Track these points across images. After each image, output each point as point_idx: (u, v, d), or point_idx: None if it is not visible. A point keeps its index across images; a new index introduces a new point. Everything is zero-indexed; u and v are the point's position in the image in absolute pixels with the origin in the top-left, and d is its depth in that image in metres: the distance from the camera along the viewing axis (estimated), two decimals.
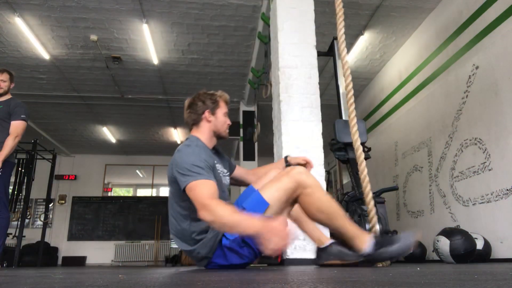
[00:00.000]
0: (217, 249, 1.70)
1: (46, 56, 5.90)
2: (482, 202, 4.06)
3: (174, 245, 5.26)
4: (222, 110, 1.94)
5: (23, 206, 6.07)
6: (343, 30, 2.24)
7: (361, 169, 2.05)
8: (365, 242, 1.61)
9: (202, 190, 1.58)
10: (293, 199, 1.69)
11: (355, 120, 2.09)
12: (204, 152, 1.76)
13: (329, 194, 1.74)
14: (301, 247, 3.06)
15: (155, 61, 6.13)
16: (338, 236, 1.70)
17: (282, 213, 1.70)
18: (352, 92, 2.27)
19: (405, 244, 1.59)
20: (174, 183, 1.75)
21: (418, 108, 5.52)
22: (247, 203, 1.68)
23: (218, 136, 1.94)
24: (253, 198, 1.68)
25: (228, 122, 1.95)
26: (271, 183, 1.69)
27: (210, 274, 1.30)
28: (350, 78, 2.28)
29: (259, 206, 1.63)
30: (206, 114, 1.90)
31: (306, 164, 2.02)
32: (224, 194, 1.82)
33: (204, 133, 1.90)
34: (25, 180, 6.18)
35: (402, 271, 1.37)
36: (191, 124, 1.93)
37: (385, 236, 1.72)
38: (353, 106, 2.14)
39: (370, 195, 2.03)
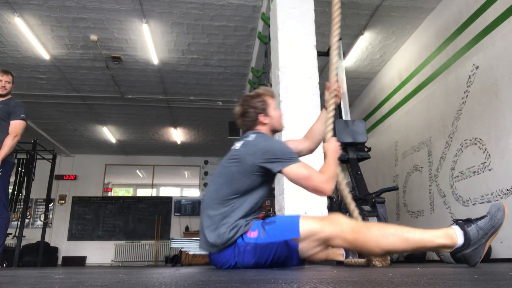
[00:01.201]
0: (233, 244, 1.69)
1: (46, 56, 5.90)
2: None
3: (174, 245, 5.25)
4: (272, 106, 1.96)
5: (23, 206, 6.07)
6: (338, 32, 2.23)
7: (348, 202, 2.02)
8: (451, 236, 1.48)
9: (305, 170, 1.68)
10: (329, 245, 1.64)
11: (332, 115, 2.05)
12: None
13: (378, 225, 1.59)
14: None
15: (155, 61, 6.13)
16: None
17: (310, 251, 1.63)
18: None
19: (493, 214, 1.48)
20: (246, 172, 1.71)
21: (418, 108, 5.52)
22: (281, 218, 1.69)
23: (275, 131, 1.99)
24: (290, 218, 1.66)
25: (281, 113, 2.00)
26: (314, 219, 1.63)
27: (210, 274, 1.30)
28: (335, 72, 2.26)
29: (289, 230, 1.61)
30: (261, 118, 1.91)
31: (337, 93, 2.09)
32: None
33: (265, 132, 1.93)
34: (25, 180, 6.18)
35: (402, 271, 1.37)
36: (247, 130, 1.94)
37: (464, 221, 1.56)
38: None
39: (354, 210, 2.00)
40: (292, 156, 1.72)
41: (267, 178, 1.78)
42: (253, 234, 1.66)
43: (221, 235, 1.67)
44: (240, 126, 1.98)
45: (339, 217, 1.58)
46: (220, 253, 1.71)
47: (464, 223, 1.50)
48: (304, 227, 1.60)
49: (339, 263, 2.38)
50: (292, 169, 1.68)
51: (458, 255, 1.47)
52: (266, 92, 1.98)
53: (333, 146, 1.89)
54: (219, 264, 1.74)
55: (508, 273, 1.06)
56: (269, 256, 1.64)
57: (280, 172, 1.70)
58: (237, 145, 1.83)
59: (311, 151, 2.13)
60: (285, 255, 1.63)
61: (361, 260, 2.09)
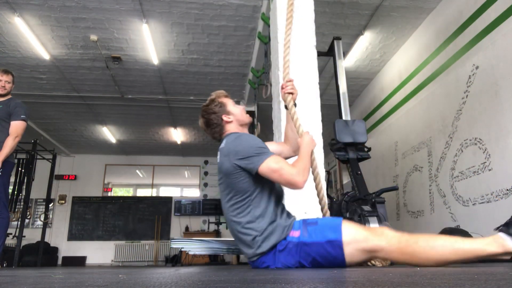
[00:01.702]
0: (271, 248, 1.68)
1: (46, 56, 5.90)
2: (482, 202, 4.06)
3: (174, 245, 5.24)
4: (229, 104, 1.98)
5: (23, 206, 6.07)
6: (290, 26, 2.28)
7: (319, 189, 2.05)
8: (502, 244, 1.44)
9: (276, 164, 1.69)
10: (374, 257, 1.63)
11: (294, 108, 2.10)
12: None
13: (425, 236, 1.53)
14: None
15: (155, 61, 6.13)
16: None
17: (354, 258, 1.61)
18: None
19: None
20: (232, 174, 1.73)
21: (418, 108, 5.52)
22: (323, 220, 1.69)
23: (243, 124, 2.01)
24: (332, 220, 1.66)
25: (242, 107, 2.03)
26: (358, 226, 1.62)
27: (210, 274, 1.30)
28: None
29: (331, 231, 1.60)
30: (225, 118, 1.94)
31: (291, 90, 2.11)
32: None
33: (235, 130, 1.95)
34: (25, 180, 6.18)
35: (402, 271, 1.37)
36: (220, 134, 1.96)
37: (504, 225, 1.53)
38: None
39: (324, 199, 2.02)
40: (262, 151, 1.72)
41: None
42: (295, 234, 1.65)
43: (256, 248, 1.67)
44: (212, 137, 2.00)
45: (384, 230, 1.57)
46: (260, 259, 1.70)
47: (507, 227, 1.47)
48: (348, 231, 1.59)
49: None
50: (263, 165, 1.68)
51: None
52: (218, 94, 2.01)
53: (307, 139, 1.91)
54: (261, 266, 1.72)
55: (508, 273, 1.06)
56: (311, 256, 1.62)
57: (254, 173, 1.71)
58: (218, 157, 1.86)
59: (294, 152, 2.12)
60: (328, 255, 1.61)
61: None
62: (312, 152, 1.89)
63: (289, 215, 1.79)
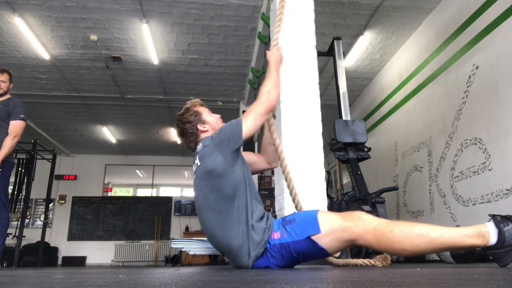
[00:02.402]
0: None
1: (46, 56, 5.90)
2: (482, 202, 4.06)
3: (174, 245, 5.23)
4: (205, 113, 1.96)
5: (23, 206, 6.07)
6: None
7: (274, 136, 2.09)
8: (483, 235, 1.40)
9: (250, 115, 1.79)
10: (354, 245, 1.62)
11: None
12: None
13: (401, 225, 1.47)
14: None
15: (155, 61, 6.13)
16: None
17: (334, 248, 1.59)
18: None
19: None
20: (222, 173, 1.69)
21: (418, 108, 5.52)
22: (300, 215, 1.66)
23: None
24: (308, 214, 1.63)
25: (217, 116, 2.01)
26: (334, 215, 1.59)
27: (210, 274, 1.30)
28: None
29: (309, 226, 1.57)
30: (200, 128, 1.92)
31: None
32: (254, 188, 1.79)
33: None
34: (25, 180, 6.17)
35: (402, 271, 1.37)
36: (196, 144, 1.93)
37: (502, 217, 1.46)
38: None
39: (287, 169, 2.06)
40: (236, 122, 1.76)
41: (236, 164, 1.74)
42: (276, 235, 1.63)
43: (249, 256, 1.64)
44: (187, 146, 1.98)
45: (361, 216, 1.52)
46: (255, 264, 1.67)
47: (501, 221, 1.40)
48: (325, 222, 1.56)
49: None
50: (244, 128, 1.73)
51: (488, 253, 1.41)
52: (193, 103, 1.99)
53: (276, 54, 2.03)
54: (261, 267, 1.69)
55: (508, 273, 1.06)
56: (296, 255, 1.61)
57: (240, 142, 1.73)
58: (197, 162, 1.80)
59: (269, 164, 2.12)
60: (311, 251, 1.59)
61: (362, 260, 2.09)
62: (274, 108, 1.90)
63: (267, 216, 1.74)
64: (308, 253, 1.60)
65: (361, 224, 1.50)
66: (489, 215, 1.49)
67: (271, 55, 2.03)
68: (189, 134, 1.92)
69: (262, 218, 1.70)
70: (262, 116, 1.79)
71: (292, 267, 1.68)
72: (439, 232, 1.42)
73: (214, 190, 1.70)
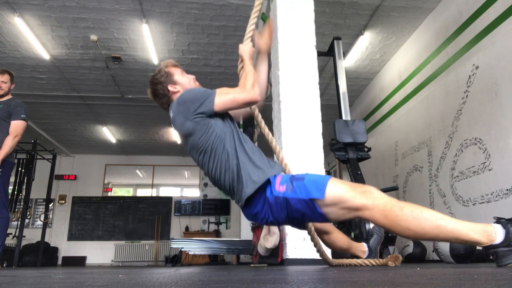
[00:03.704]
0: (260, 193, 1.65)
1: (46, 56, 5.90)
2: (482, 202, 4.06)
3: (174, 245, 5.25)
4: (177, 74, 1.93)
5: (23, 206, 6.07)
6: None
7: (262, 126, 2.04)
8: (489, 234, 1.39)
9: (227, 95, 1.71)
10: (357, 216, 1.57)
11: None
12: None
13: (412, 206, 1.45)
14: (301, 247, 3.06)
15: (155, 61, 6.13)
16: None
17: (336, 216, 1.56)
18: None
19: None
20: (196, 131, 1.70)
21: (418, 108, 5.52)
22: (311, 176, 1.62)
23: None
24: (319, 178, 1.59)
25: (191, 77, 1.97)
26: (345, 185, 1.55)
27: (210, 274, 1.30)
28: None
29: (315, 189, 1.53)
30: (171, 88, 1.88)
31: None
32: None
33: None
34: (25, 180, 6.17)
35: (402, 271, 1.37)
36: (168, 104, 1.92)
37: (507, 220, 1.45)
38: None
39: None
40: (206, 93, 1.71)
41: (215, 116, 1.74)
42: (281, 188, 1.60)
43: (243, 193, 1.63)
44: (161, 107, 1.98)
45: (373, 190, 1.51)
46: (252, 207, 1.65)
47: (507, 222, 1.40)
48: (333, 191, 1.52)
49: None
50: (216, 102, 1.68)
51: (491, 251, 1.40)
52: (165, 64, 1.96)
53: (247, 47, 2.01)
54: (258, 219, 1.68)
55: (508, 273, 1.06)
56: (296, 212, 1.58)
57: (213, 112, 1.69)
58: (175, 127, 1.82)
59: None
60: (310, 214, 1.56)
61: (363, 261, 2.10)
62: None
63: (269, 161, 1.74)
64: (306, 215, 1.58)
65: (371, 198, 1.48)
66: (494, 217, 1.49)
67: (242, 48, 2.02)
68: (161, 95, 1.91)
69: (261, 163, 1.69)
70: (239, 103, 1.71)
71: (285, 224, 1.67)
72: (447, 221, 1.41)
73: (198, 146, 1.72)
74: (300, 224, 1.74)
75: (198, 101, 1.68)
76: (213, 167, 1.70)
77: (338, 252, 2.31)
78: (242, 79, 1.80)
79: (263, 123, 2.05)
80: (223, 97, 1.69)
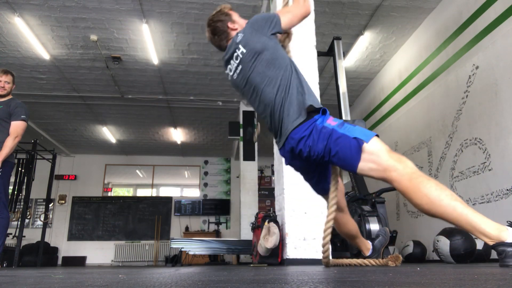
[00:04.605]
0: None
1: (46, 56, 5.90)
2: (482, 202, 4.06)
3: (174, 245, 5.25)
4: (235, 15, 2.07)
5: (23, 206, 6.07)
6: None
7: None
8: (500, 230, 1.42)
9: (287, 13, 1.92)
10: (384, 177, 1.64)
11: None
12: None
13: (433, 185, 1.49)
14: (301, 247, 3.06)
15: (155, 61, 6.13)
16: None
17: (367, 170, 1.64)
18: None
19: None
20: (270, 45, 1.84)
21: (418, 108, 5.52)
22: (361, 127, 1.69)
23: None
24: (368, 131, 1.67)
25: (245, 21, 2.11)
26: (386, 146, 1.64)
27: (210, 274, 1.30)
28: None
29: (363, 134, 1.62)
30: (230, 25, 2.01)
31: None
32: None
33: None
34: (25, 180, 6.17)
35: (402, 271, 1.37)
36: (227, 41, 2.02)
37: None
38: None
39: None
40: (274, 15, 1.90)
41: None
42: (333, 123, 1.69)
43: (300, 115, 1.73)
44: (219, 45, 2.06)
45: (407, 159, 1.59)
46: (299, 132, 1.72)
47: None
48: (376, 144, 1.61)
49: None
50: (283, 21, 1.88)
51: (499, 249, 1.41)
52: (224, 6, 2.08)
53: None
54: (298, 145, 1.73)
55: (508, 273, 1.06)
56: (334, 145, 1.64)
57: (282, 31, 1.90)
58: (242, 50, 1.89)
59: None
60: (348, 152, 1.62)
61: (362, 261, 2.10)
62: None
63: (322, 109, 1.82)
64: (340, 152, 1.63)
65: (404, 164, 1.55)
66: (507, 221, 1.51)
67: None
68: (220, 32, 2.01)
69: (313, 95, 1.83)
70: (298, 19, 1.92)
71: (316, 160, 1.72)
72: (465, 206, 1.45)
73: (266, 65, 1.84)
74: (327, 164, 1.81)
75: (269, 20, 1.87)
76: (274, 85, 1.80)
77: (344, 238, 2.31)
78: None
79: (290, 45, 2.19)
80: (286, 16, 1.90)
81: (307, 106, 1.72)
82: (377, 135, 1.65)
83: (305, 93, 1.78)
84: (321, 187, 1.96)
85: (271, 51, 1.83)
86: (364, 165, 1.62)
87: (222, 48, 2.04)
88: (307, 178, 1.97)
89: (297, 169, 1.94)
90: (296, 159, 1.83)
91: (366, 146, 1.59)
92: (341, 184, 2.01)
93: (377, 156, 1.58)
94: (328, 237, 1.97)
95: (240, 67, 1.89)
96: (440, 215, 1.49)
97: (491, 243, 1.43)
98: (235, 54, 1.89)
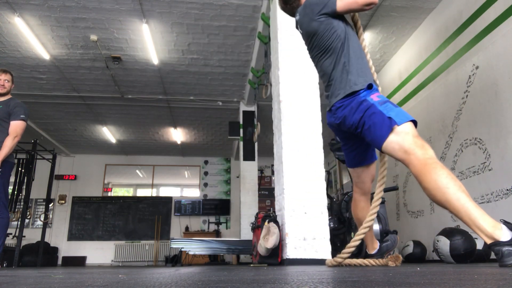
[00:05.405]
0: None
1: (46, 56, 5.90)
2: (482, 202, 4.06)
3: (174, 245, 5.25)
4: None
5: (23, 206, 6.07)
6: None
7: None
8: (496, 227, 1.43)
9: None
10: (404, 158, 1.68)
11: None
12: None
13: (445, 173, 1.53)
14: (301, 247, 3.06)
15: (155, 61, 6.13)
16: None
17: (391, 149, 1.69)
18: None
19: None
20: (320, 30, 1.93)
21: (418, 108, 5.52)
22: (402, 109, 1.75)
23: None
24: (406, 113, 1.73)
25: None
26: (415, 132, 1.70)
27: (210, 274, 1.30)
28: None
29: (398, 116, 1.68)
30: None
31: None
32: None
33: None
34: (25, 180, 6.17)
35: (402, 271, 1.37)
36: (298, 5, 2.11)
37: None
38: None
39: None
40: None
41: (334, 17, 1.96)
42: (375, 98, 1.78)
43: (350, 86, 1.84)
44: (291, 13, 2.18)
45: (429, 148, 1.64)
46: (344, 100, 1.84)
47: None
48: (406, 127, 1.66)
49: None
50: (339, 4, 1.89)
51: (495, 249, 1.43)
52: None
53: None
54: (338, 112, 1.87)
55: (508, 273, 1.06)
56: (368, 118, 1.73)
57: (335, 13, 1.92)
58: (299, 28, 2.07)
59: None
60: (379, 129, 1.70)
61: (362, 261, 2.10)
62: None
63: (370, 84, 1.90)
64: (372, 126, 1.72)
65: (425, 150, 1.60)
66: (500, 220, 1.51)
67: None
68: (292, 0, 2.12)
69: (367, 70, 1.95)
70: (359, 6, 1.87)
71: (350, 129, 1.85)
72: (469, 199, 1.48)
73: (320, 45, 1.96)
74: (359, 135, 1.85)
75: (322, 3, 1.92)
76: (329, 64, 1.93)
77: (355, 223, 2.39)
78: None
79: (361, 29, 2.18)
80: (341, 1, 1.89)
81: (351, 86, 1.83)
82: (413, 121, 1.69)
83: (352, 72, 1.87)
84: (355, 161, 2.14)
85: (320, 36, 1.93)
86: (388, 145, 1.69)
87: (293, 16, 2.17)
88: (344, 147, 2.14)
89: (337, 135, 2.11)
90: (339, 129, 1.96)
91: (397, 127, 1.66)
92: (373, 170, 2.22)
93: (402, 139, 1.65)
94: (361, 236, 2.06)
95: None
96: (443, 203, 1.52)
97: (486, 239, 1.46)
98: (299, 29, 2.10)
